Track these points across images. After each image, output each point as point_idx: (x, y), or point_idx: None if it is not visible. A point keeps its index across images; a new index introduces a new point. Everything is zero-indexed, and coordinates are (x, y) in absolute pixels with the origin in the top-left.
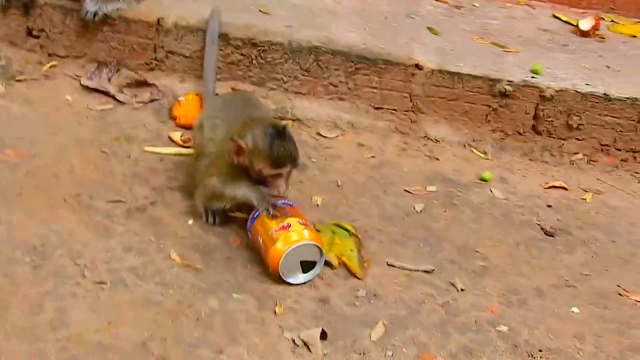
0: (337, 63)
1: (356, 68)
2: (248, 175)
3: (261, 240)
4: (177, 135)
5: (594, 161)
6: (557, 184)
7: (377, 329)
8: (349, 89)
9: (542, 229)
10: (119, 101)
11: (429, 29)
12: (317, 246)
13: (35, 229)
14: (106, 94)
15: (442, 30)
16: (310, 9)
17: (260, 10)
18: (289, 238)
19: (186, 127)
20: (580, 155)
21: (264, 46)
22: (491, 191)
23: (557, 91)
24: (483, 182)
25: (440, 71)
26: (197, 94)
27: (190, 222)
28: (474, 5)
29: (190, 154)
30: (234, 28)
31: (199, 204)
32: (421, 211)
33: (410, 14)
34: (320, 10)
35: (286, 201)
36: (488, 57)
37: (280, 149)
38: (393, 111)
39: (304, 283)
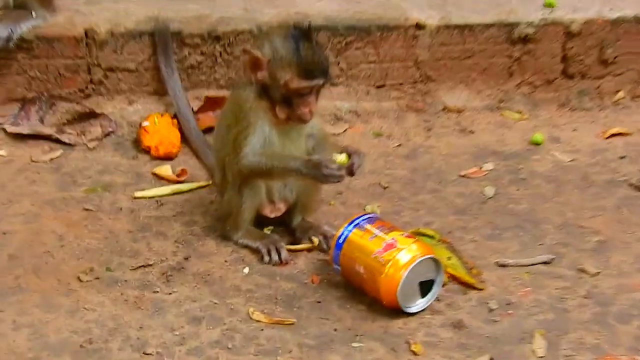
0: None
1: (346, 43)
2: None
3: (361, 269)
4: (164, 170)
5: (638, 96)
6: (614, 131)
7: (536, 342)
8: (341, 69)
9: (630, 185)
10: (65, 144)
11: None
12: (434, 260)
13: (68, 324)
14: (45, 137)
15: None
16: None
17: None
18: (401, 259)
19: (165, 158)
20: (621, 94)
21: (228, 38)
22: (552, 155)
23: (583, 24)
24: (536, 146)
25: (446, 27)
26: (162, 114)
27: (246, 270)
28: None
29: (194, 188)
30: (184, 23)
31: (248, 241)
32: (494, 195)
33: None
34: None
35: (369, 214)
36: (486, 5)
37: (309, 53)
38: (399, 86)
39: (424, 309)
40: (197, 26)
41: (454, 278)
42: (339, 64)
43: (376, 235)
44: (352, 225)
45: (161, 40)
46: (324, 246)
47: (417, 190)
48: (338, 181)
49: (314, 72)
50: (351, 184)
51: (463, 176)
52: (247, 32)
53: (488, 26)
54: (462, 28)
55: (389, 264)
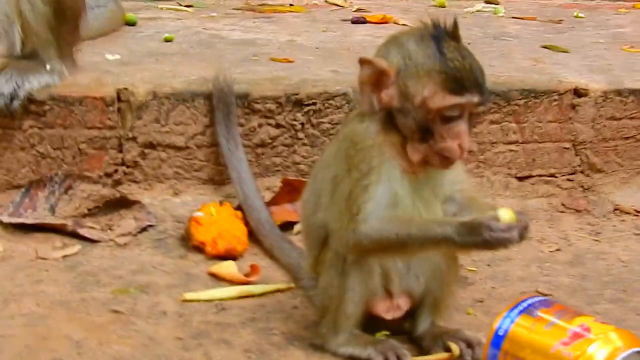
0: None
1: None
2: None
3: None
4: (227, 267)
5: None
6: None
7: None
8: (470, 151)
9: None
10: (85, 239)
11: (547, 47)
12: None
13: None
14: (57, 230)
15: (567, 46)
16: (332, 49)
17: (272, 59)
18: (596, 354)
19: (226, 256)
20: None
21: (314, 104)
22: None
23: None
24: None
25: (617, 92)
26: (222, 203)
27: None
28: (577, 17)
29: (269, 291)
30: (253, 84)
31: (354, 349)
32: None
33: (498, 36)
34: (348, 49)
35: (540, 297)
36: None
37: (459, 58)
38: (550, 178)
39: None
40: (271, 87)
41: None
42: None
43: (555, 323)
44: (517, 311)
45: (222, 104)
46: (468, 358)
47: (592, 299)
48: (508, 246)
49: (465, 85)
50: (495, 291)
51: None
52: (342, 96)
53: None
54: (639, 94)
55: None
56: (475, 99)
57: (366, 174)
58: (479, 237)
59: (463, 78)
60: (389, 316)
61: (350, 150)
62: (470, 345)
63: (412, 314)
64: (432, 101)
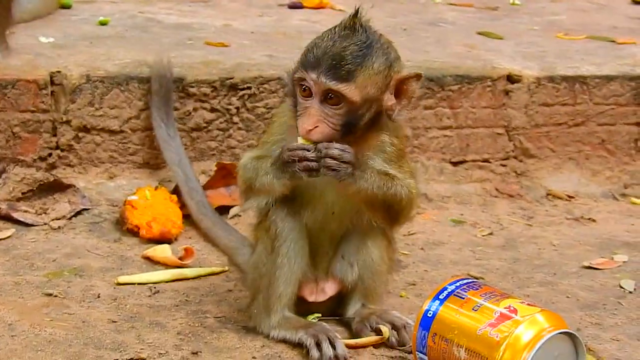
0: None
1: None
2: None
3: (462, 354)
4: (161, 251)
5: None
6: None
7: None
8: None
9: None
10: (19, 222)
11: (482, 33)
12: (570, 335)
13: None
14: None
15: (502, 33)
16: (268, 34)
17: (208, 43)
18: (523, 335)
19: (161, 239)
20: None
21: (249, 86)
22: None
23: None
24: None
25: (549, 79)
26: (157, 187)
27: None
28: (514, 4)
29: (203, 274)
30: (188, 68)
31: (285, 332)
32: (635, 289)
33: (434, 22)
34: (284, 34)
35: (469, 279)
36: (602, 53)
37: (331, 41)
38: (483, 163)
39: None
40: (206, 71)
41: None
42: None
43: (482, 305)
44: (445, 293)
45: (160, 88)
46: (394, 339)
47: (523, 282)
48: (311, 169)
49: (310, 62)
50: (428, 274)
51: (590, 267)
52: (276, 81)
53: (609, 79)
54: (572, 80)
55: (505, 342)
56: (313, 75)
57: (265, 140)
58: (282, 161)
59: (312, 56)
60: (311, 298)
61: (268, 126)
62: (395, 327)
63: (342, 298)
64: (293, 75)
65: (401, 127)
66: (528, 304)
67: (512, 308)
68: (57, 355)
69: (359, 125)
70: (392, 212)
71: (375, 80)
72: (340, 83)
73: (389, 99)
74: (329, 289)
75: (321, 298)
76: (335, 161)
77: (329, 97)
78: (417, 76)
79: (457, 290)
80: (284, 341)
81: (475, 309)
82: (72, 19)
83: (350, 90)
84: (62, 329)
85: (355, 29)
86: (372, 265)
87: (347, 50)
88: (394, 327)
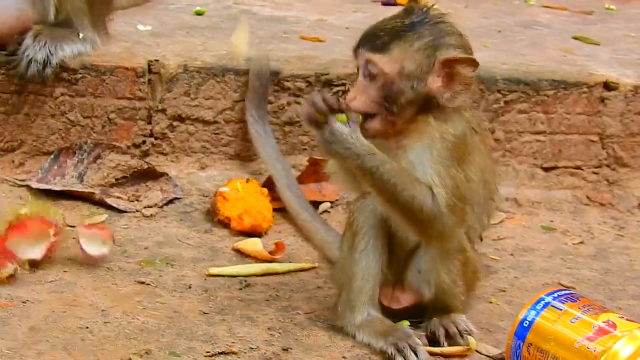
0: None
1: (505, 102)
2: None
3: None
4: (252, 245)
5: None
6: None
7: None
8: (496, 140)
9: None
10: (112, 208)
11: (578, 38)
12: None
13: None
14: (85, 199)
15: (597, 38)
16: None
17: (303, 38)
18: (621, 350)
19: (252, 233)
20: None
21: (343, 83)
22: None
23: None
24: None
25: None
26: (248, 179)
27: None
28: (609, 9)
29: (293, 270)
30: (284, 62)
31: (368, 338)
32: None
33: (529, 25)
34: None
35: (566, 290)
36: None
37: (377, 23)
38: (575, 170)
39: None
40: (301, 66)
41: None
42: (493, 132)
43: (580, 318)
44: (542, 303)
45: (257, 81)
46: (442, 339)
47: (615, 294)
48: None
49: (363, 37)
50: (518, 281)
51: None
52: None
53: None
54: None
55: (603, 357)
56: (358, 49)
57: None
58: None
59: (364, 34)
60: (386, 303)
61: None
62: (448, 335)
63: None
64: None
65: (464, 120)
66: (627, 319)
67: (610, 322)
68: (149, 344)
69: (399, 103)
70: (412, 220)
71: (414, 57)
72: (374, 54)
73: (435, 81)
74: (404, 300)
75: (395, 306)
76: (312, 108)
77: (368, 70)
78: (469, 61)
79: (554, 302)
80: (368, 346)
81: (572, 321)
82: (170, 7)
83: (384, 62)
84: (154, 318)
85: (411, 12)
86: (448, 289)
87: (388, 26)
88: (446, 335)
